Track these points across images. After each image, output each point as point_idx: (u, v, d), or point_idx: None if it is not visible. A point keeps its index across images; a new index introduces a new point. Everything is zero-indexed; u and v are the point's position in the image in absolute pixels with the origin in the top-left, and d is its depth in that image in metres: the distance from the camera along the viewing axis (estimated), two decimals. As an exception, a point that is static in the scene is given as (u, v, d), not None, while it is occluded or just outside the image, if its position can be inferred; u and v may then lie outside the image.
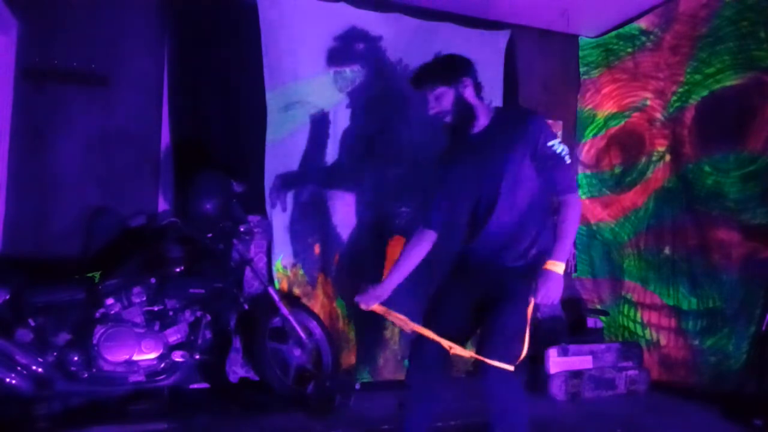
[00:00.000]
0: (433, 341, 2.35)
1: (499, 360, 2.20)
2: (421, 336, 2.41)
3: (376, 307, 2.47)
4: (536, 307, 2.75)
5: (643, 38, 4.53)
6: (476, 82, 2.53)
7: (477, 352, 2.26)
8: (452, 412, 3.00)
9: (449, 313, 2.45)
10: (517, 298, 2.34)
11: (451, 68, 2.51)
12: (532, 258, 2.43)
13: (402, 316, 2.44)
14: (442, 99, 2.47)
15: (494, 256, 2.45)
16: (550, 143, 2.39)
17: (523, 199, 2.42)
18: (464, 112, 2.48)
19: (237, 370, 3.81)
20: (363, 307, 2.48)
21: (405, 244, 2.64)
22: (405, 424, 2.48)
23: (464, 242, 2.57)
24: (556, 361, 3.95)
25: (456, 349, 2.34)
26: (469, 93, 2.49)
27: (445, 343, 2.33)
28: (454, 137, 2.58)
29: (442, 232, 2.59)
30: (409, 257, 2.57)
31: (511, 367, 2.21)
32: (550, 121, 4.84)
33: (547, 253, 2.38)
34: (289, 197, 4.04)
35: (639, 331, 4.47)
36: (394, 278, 2.54)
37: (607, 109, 4.82)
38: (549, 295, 2.29)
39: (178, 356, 3.30)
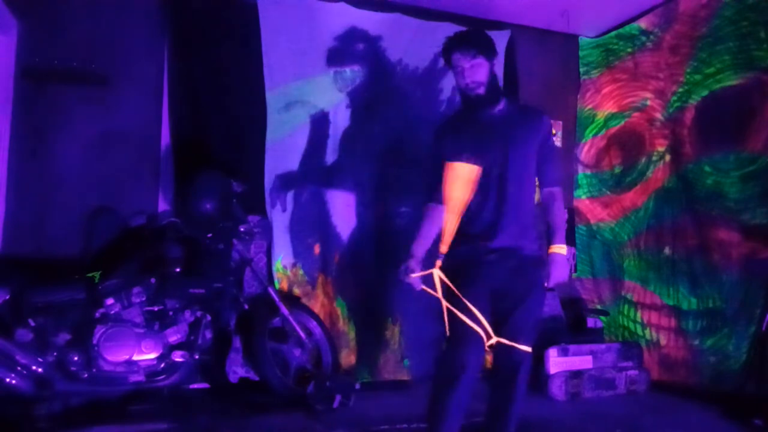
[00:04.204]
0: (471, 339, 2.35)
1: (526, 344, 2.41)
2: (458, 336, 2.38)
3: (428, 290, 2.48)
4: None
5: (643, 38, 4.53)
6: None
7: (503, 336, 2.38)
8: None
9: (476, 304, 2.40)
10: (539, 287, 2.51)
11: (491, 44, 2.56)
12: (539, 244, 2.54)
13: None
14: (479, 70, 2.49)
15: (515, 241, 2.47)
16: (554, 138, 2.59)
17: (529, 186, 2.55)
18: (494, 88, 2.53)
19: (237, 370, 3.81)
20: (415, 287, 2.49)
21: (420, 221, 2.65)
22: (443, 426, 2.38)
23: (476, 227, 2.49)
24: (556, 361, 3.95)
25: (493, 339, 2.38)
26: (496, 72, 2.57)
27: (486, 333, 2.35)
28: (472, 113, 2.57)
29: None
30: (425, 233, 2.60)
31: (531, 348, 2.42)
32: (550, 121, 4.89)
33: (543, 238, 2.53)
34: (289, 197, 4.04)
35: (639, 331, 4.47)
36: (419, 251, 2.55)
37: (607, 109, 4.82)
38: (560, 276, 2.47)
39: (178, 356, 3.30)
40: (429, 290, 2.46)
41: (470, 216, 2.50)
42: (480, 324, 2.33)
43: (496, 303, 2.44)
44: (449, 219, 2.45)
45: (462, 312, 2.36)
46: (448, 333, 2.43)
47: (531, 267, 2.49)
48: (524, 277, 2.46)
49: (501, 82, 4.48)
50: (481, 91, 2.49)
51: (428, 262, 2.51)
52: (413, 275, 2.47)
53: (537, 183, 2.62)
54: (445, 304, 2.42)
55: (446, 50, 2.54)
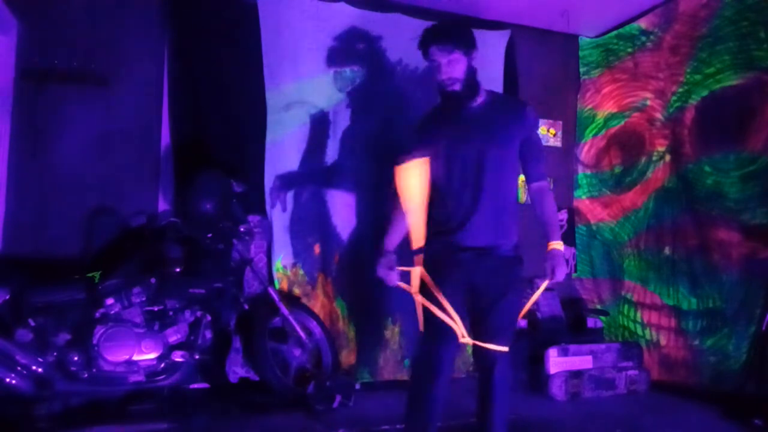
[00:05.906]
0: (445, 336, 2.37)
1: (502, 344, 2.38)
2: (432, 333, 2.40)
3: (403, 285, 2.44)
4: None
5: (643, 38, 4.53)
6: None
7: (479, 338, 2.37)
8: (452, 412, 3.00)
9: (450, 301, 2.41)
10: (515, 287, 2.48)
11: (469, 37, 2.47)
12: (517, 243, 2.49)
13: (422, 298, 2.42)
14: (456, 65, 2.41)
15: (492, 240, 2.42)
16: (540, 133, 2.50)
17: (509, 182, 2.50)
18: (471, 84, 2.46)
19: (237, 370, 3.81)
20: (388, 282, 2.43)
21: (394, 212, 2.57)
22: (419, 424, 2.42)
23: (449, 223, 2.47)
24: (556, 361, 3.95)
25: (466, 339, 2.38)
26: (475, 66, 2.49)
27: (460, 330, 2.35)
28: (450, 108, 2.51)
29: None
30: (398, 226, 2.54)
31: (507, 348, 2.39)
32: (550, 121, 4.91)
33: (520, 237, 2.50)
34: (289, 197, 4.04)
35: (639, 331, 4.47)
36: (390, 245, 2.52)
37: (607, 109, 4.83)
38: (561, 273, 2.41)
39: (178, 356, 3.30)
40: (404, 286, 2.45)
41: (444, 212, 2.48)
42: (454, 321, 2.36)
43: (472, 302, 2.45)
44: (414, 216, 2.43)
45: (436, 308, 2.37)
46: (422, 329, 2.46)
47: (507, 267, 2.45)
48: (500, 278, 2.42)
49: (501, 82, 4.56)
50: (457, 87, 2.43)
51: (404, 259, 2.51)
52: (392, 271, 2.42)
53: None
54: (420, 300, 2.42)
55: (423, 43, 2.46)
